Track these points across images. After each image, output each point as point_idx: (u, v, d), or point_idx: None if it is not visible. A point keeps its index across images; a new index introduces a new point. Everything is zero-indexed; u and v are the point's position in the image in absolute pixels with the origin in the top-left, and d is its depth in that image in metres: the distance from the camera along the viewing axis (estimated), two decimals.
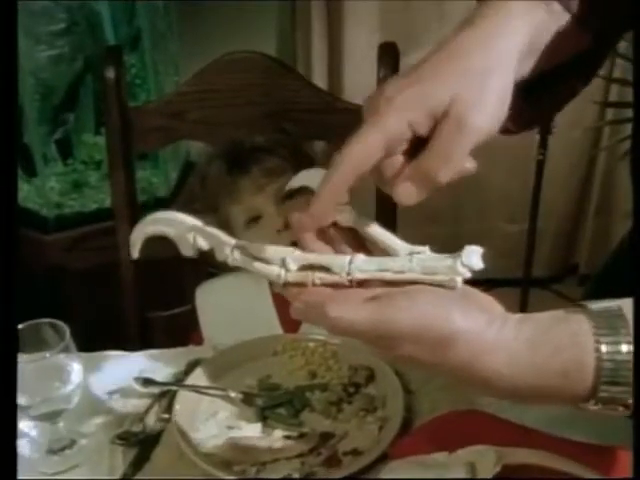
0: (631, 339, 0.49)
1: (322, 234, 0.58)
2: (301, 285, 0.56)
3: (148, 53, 1.84)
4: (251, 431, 0.86)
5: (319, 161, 1.22)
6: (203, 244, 0.60)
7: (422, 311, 0.51)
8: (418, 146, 0.55)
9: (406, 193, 0.55)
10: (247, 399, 0.90)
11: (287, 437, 0.84)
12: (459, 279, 0.53)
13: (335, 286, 0.56)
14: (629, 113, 2.03)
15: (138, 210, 1.30)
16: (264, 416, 0.87)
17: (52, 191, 1.88)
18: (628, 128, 2.02)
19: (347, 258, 0.56)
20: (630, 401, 0.50)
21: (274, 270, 0.57)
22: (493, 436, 0.71)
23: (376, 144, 0.54)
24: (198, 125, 1.23)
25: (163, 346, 1.04)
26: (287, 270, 0.56)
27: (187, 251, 0.60)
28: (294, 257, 0.57)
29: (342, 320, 0.51)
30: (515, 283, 2.22)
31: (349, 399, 0.88)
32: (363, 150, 0.54)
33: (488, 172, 2.34)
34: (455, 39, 0.56)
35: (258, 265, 0.58)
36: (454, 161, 0.53)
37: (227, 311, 1.16)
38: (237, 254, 0.59)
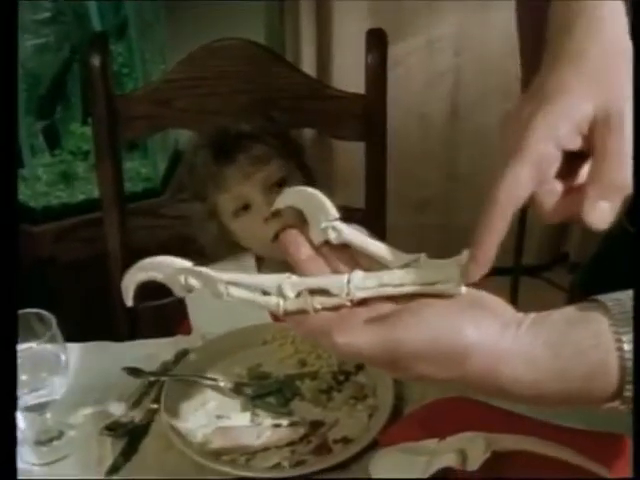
0: None
1: (315, 254, 0.57)
2: (302, 312, 0.54)
3: (135, 42, 1.82)
4: (240, 420, 0.86)
5: (307, 149, 1.21)
6: (195, 283, 0.58)
7: (431, 327, 0.49)
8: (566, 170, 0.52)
9: (602, 215, 0.51)
10: (236, 388, 0.89)
11: (277, 426, 0.84)
12: (463, 287, 0.52)
13: (337, 308, 0.54)
14: None
15: (126, 200, 1.29)
16: (254, 405, 0.87)
17: (40, 182, 1.86)
18: None
19: (345, 278, 0.54)
20: None
21: (272, 300, 0.55)
22: (483, 423, 0.71)
23: (528, 174, 0.50)
24: (185, 113, 1.22)
25: (152, 336, 1.03)
26: (285, 298, 0.55)
27: (179, 292, 0.59)
28: (290, 283, 0.55)
29: (350, 346, 0.50)
30: (505, 272, 2.23)
31: (339, 387, 0.88)
32: (516, 185, 0.50)
33: (479, 161, 2.34)
34: (565, 42, 0.54)
35: (255, 297, 0.56)
36: (629, 160, 0.50)
37: (216, 300, 1.16)
38: (232, 289, 0.57)
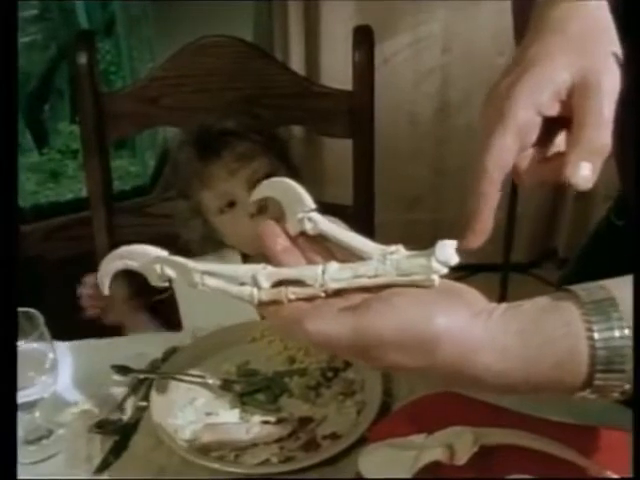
0: (623, 323, 0.47)
1: (292, 245, 0.57)
2: (276, 302, 0.54)
3: (123, 39, 1.82)
4: (229, 417, 0.86)
5: (292, 146, 1.21)
6: (171, 273, 0.58)
7: (402, 315, 0.49)
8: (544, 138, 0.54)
9: (584, 176, 0.53)
10: (225, 385, 0.89)
11: (265, 422, 0.84)
12: (436, 277, 0.51)
13: (311, 299, 0.54)
14: None
15: (115, 198, 1.29)
16: (242, 402, 0.87)
17: (28, 181, 1.86)
18: None
19: (319, 268, 0.54)
20: (627, 387, 0.48)
21: (246, 290, 0.55)
22: (470, 417, 0.71)
23: (513, 140, 0.53)
24: (173, 110, 1.22)
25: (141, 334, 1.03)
26: (259, 288, 0.54)
27: (156, 281, 0.59)
28: (265, 273, 0.55)
29: (320, 334, 0.50)
30: (495, 268, 2.24)
31: (328, 384, 0.88)
32: (503, 151, 0.53)
33: (467, 158, 2.34)
34: (548, 16, 0.56)
35: (229, 287, 0.56)
36: (608, 123, 0.52)
37: (206, 297, 1.15)
38: (207, 279, 0.57)
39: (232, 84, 1.21)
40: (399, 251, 0.54)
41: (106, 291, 0.61)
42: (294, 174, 1.15)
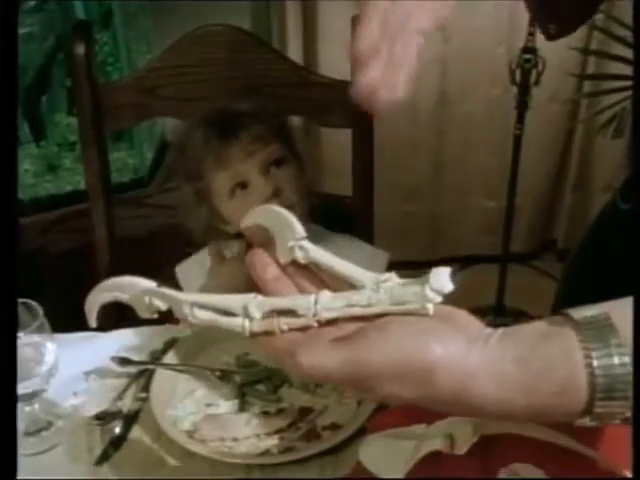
0: (623, 350, 0.46)
1: (282, 274, 0.56)
2: (269, 333, 0.53)
3: (120, 30, 1.81)
4: (229, 408, 0.86)
5: (298, 136, 1.21)
6: (160, 304, 0.57)
7: (396, 345, 0.48)
8: None
9: None
10: (225, 376, 0.89)
11: (266, 413, 0.84)
12: (430, 306, 0.50)
13: (304, 329, 0.53)
14: (606, 85, 2.04)
15: (113, 190, 1.29)
16: (242, 393, 0.87)
17: (26, 173, 1.86)
18: (605, 100, 2.03)
19: (312, 298, 0.53)
20: (628, 414, 0.47)
21: (237, 321, 0.54)
22: None
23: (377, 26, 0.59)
24: (170, 101, 1.22)
25: (141, 326, 1.03)
26: (251, 319, 0.53)
27: (144, 313, 0.58)
28: (257, 303, 0.54)
29: (314, 368, 0.49)
30: (494, 259, 2.24)
31: None
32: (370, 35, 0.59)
33: (466, 149, 2.34)
34: None
35: (220, 319, 0.55)
36: None
37: (207, 289, 1.15)
38: (197, 311, 0.55)
39: (230, 74, 1.20)
40: (392, 279, 0.52)
41: (93, 323, 0.60)
42: (299, 163, 1.15)
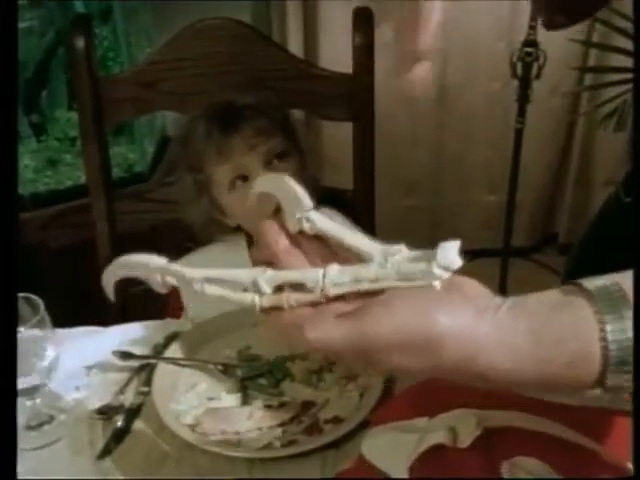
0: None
1: (292, 245, 0.56)
2: (277, 308, 0.54)
3: (120, 25, 1.80)
4: (231, 401, 0.85)
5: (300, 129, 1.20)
6: (172, 281, 0.58)
7: (402, 317, 0.48)
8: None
9: None
10: (227, 370, 0.89)
11: (268, 406, 0.84)
12: (437, 282, 0.50)
13: (313, 304, 0.53)
14: (607, 78, 2.03)
15: (113, 184, 1.28)
16: (244, 386, 0.87)
17: (27, 169, 1.85)
18: (607, 93, 2.03)
19: (320, 272, 0.53)
20: None
21: (247, 297, 0.54)
22: (473, 400, 0.71)
23: None
24: (171, 95, 1.21)
25: (141, 320, 1.03)
26: (261, 294, 0.54)
27: (159, 288, 0.59)
28: (266, 277, 0.54)
29: (321, 341, 0.49)
30: (495, 253, 2.23)
31: (329, 367, 0.88)
32: None
33: (467, 143, 2.34)
34: None
35: (230, 294, 0.56)
36: None
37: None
38: (207, 287, 0.56)
39: (230, 67, 1.20)
40: (401, 250, 0.52)
41: (112, 297, 0.61)
42: (302, 156, 1.14)
